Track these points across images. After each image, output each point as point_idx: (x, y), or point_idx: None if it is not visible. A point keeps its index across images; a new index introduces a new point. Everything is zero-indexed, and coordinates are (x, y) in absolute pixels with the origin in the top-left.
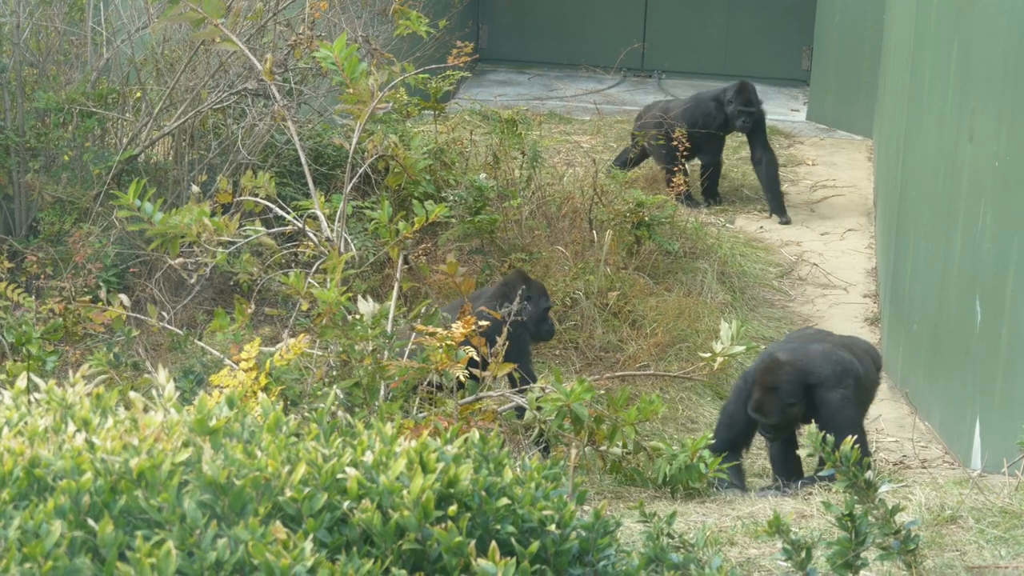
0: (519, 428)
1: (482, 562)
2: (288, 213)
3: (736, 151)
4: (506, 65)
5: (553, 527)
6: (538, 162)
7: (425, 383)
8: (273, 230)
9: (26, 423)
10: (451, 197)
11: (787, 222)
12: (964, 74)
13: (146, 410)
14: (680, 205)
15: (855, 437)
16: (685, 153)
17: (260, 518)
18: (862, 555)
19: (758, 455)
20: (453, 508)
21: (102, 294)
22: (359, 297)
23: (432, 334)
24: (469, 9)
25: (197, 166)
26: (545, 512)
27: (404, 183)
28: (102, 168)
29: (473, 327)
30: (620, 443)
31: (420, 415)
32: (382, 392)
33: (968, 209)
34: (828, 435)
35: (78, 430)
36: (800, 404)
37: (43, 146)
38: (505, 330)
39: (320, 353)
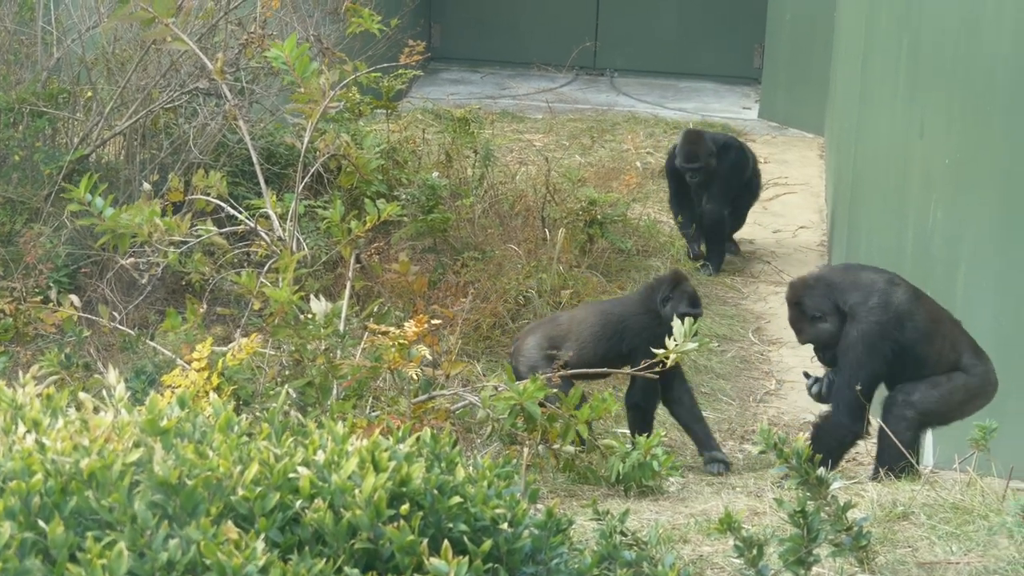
0: (472, 427)
1: (435, 561)
2: (240, 212)
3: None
4: (458, 64)
5: (506, 526)
6: (491, 161)
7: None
8: (225, 230)
9: None
10: (404, 196)
11: (710, 275)
12: (914, 70)
13: (97, 411)
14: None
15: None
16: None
17: (212, 518)
18: (814, 552)
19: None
20: (405, 507)
21: (53, 294)
22: (311, 296)
23: (384, 333)
24: (421, 7)
25: (149, 165)
26: (498, 511)
27: (356, 182)
28: (53, 168)
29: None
30: (573, 441)
31: (373, 414)
32: (335, 391)
33: (919, 206)
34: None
35: (28, 431)
36: (833, 319)
37: None
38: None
39: (272, 352)
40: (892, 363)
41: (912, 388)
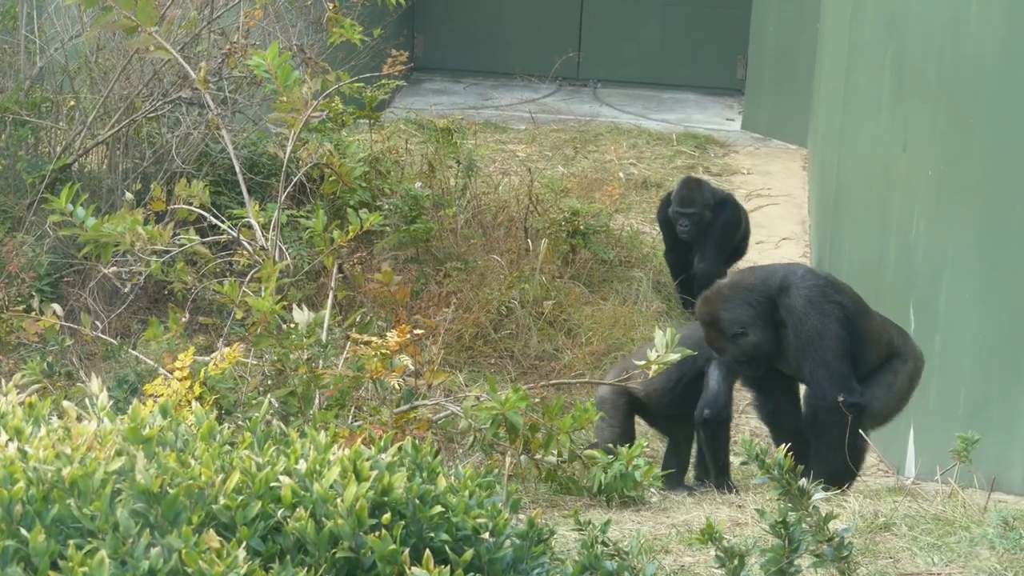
0: (454, 436)
1: (416, 570)
2: (223, 222)
3: (671, 160)
4: (441, 74)
5: (487, 535)
6: (473, 171)
7: None
8: (207, 239)
9: None
10: (386, 206)
11: None
12: (898, 83)
13: (79, 419)
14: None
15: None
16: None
17: (193, 526)
18: (795, 562)
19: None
20: (387, 516)
21: (35, 303)
22: (294, 306)
23: (367, 343)
24: (404, 18)
25: (131, 175)
26: (479, 520)
27: (339, 192)
28: (35, 177)
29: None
30: (555, 451)
31: (355, 423)
32: (317, 401)
33: (902, 217)
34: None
35: (10, 439)
36: (757, 328)
37: None
38: None
39: (255, 362)
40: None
41: (870, 395)
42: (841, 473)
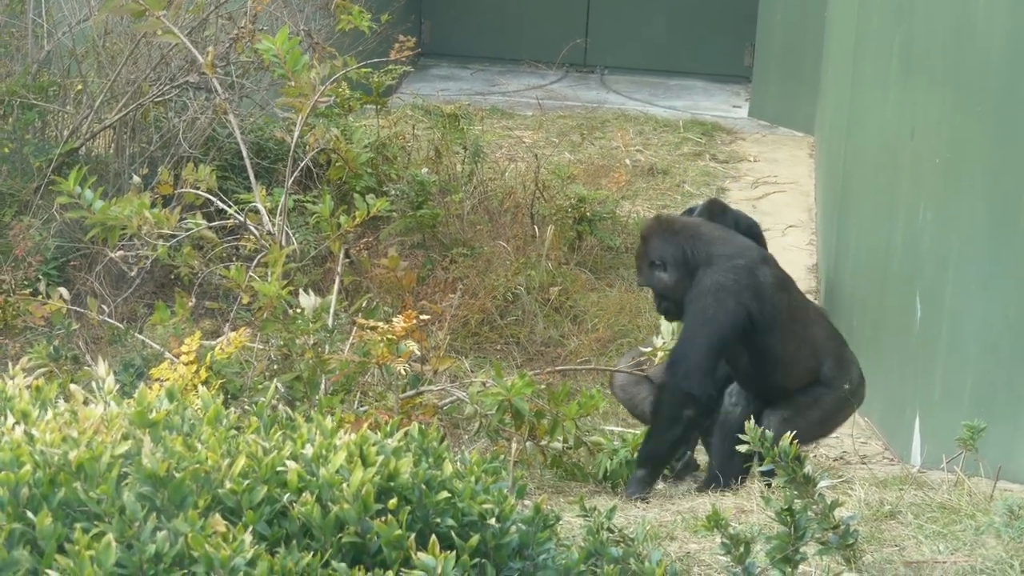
0: (460, 422)
1: (422, 555)
2: (229, 206)
3: (678, 147)
4: (448, 60)
5: (493, 521)
6: (480, 157)
7: None
8: (214, 223)
9: None
10: (393, 191)
11: None
12: (905, 71)
13: (86, 403)
14: None
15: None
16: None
17: (200, 511)
18: (801, 550)
19: None
20: (393, 501)
21: (42, 287)
22: (300, 291)
23: (373, 328)
24: (411, 4)
25: (138, 159)
26: (485, 506)
27: (346, 177)
28: (42, 161)
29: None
30: (561, 438)
31: (361, 409)
32: (323, 386)
33: (909, 206)
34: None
35: (17, 422)
36: (675, 273)
37: None
38: None
39: (261, 347)
40: (743, 344)
41: (779, 422)
42: (662, 457)
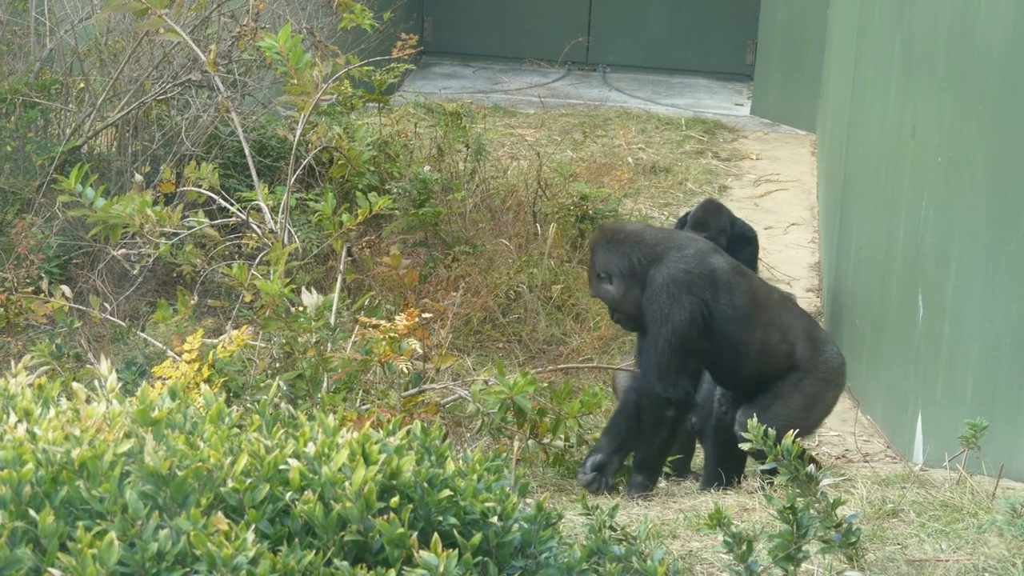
0: (462, 420)
1: (424, 554)
2: (232, 205)
3: (680, 145)
4: (451, 58)
5: (495, 519)
6: (482, 155)
7: None
8: (216, 221)
9: None
10: (395, 189)
11: None
12: (907, 69)
13: (88, 401)
14: None
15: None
16: None
17: (202, 509)
18: (803, 548)
19: None
20: (395, 500)
21: (44, 285)
22: (302, 289)
23: (375, 326)
24: (414, 2)
25: (140, 157)
26: (487, 504)
27: (348, 175)
28: (45, 159)
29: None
30: (563, 436)
31: (363, 407)
32: (325, 384)
33: (910, 204)
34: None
35: (20, 420)
36: (622, 283)
37: None
38: None
39: (263, 345)
40: (705, 338)
41: (759, 411)
42: (656, 460)
